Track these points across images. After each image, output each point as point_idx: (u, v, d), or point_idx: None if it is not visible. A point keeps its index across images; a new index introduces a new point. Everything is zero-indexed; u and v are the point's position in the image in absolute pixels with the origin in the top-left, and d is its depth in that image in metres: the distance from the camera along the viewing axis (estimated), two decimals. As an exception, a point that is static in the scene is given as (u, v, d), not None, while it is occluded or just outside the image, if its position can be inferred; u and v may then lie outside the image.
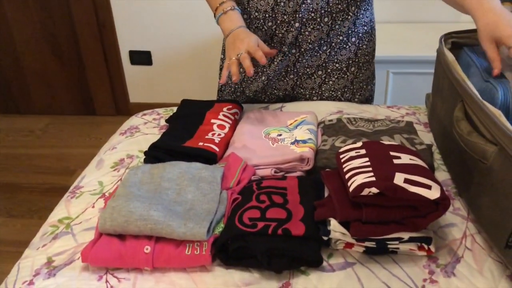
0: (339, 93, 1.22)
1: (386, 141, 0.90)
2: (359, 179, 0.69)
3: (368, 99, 1.28)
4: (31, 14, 2.74)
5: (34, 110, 3.03)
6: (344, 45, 1.16)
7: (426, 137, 1.00)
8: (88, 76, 2.89)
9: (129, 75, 2.86)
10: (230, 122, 1.06)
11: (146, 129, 1.13)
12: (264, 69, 1.19)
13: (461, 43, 0.98)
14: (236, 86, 1.26)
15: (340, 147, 0.87)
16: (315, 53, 1.16)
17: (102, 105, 2.98)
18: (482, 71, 0.86)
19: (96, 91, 2.94)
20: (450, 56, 0.88)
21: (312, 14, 1.10)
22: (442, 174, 0.88)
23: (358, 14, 1.15)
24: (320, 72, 1.19)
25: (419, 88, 1.86)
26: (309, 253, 0.69)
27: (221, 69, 1.28)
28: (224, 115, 1.07)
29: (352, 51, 1.17)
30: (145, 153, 0.95)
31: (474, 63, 0.89)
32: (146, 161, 0.95)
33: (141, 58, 2.77)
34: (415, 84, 2.02)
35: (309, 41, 1.13)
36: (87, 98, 2.97)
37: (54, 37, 2.80)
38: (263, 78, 1.20)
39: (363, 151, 0.78)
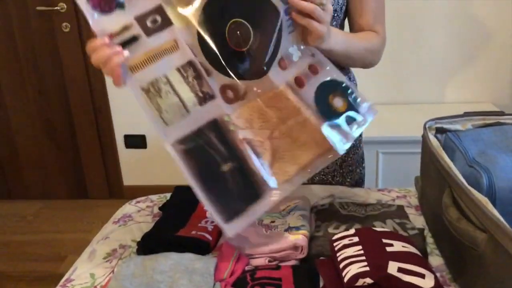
0: (329, 176, 1.24)
1: (379, 227, 0.90)
2: (353, 269, 0.69)
3: (358, 182, 1.30)
4: (28, 99, 2.82)
5: (26, 195, 3.02)
6: None
7: (417, 220, 1.01)
8: (83, 159, 2.92)
9: (124, 158, 2.90)
10: (223, 208, 1.06)
11: (140, 217, 1.13)
12: None
13: (445, 128, 1.02)
14: (229, 171, 1.28)
15: (334, 234, 0.87)
16: None
17: (95, 189, 2.99)
18: (466, 156, 0.88)
19: (90, 175, 2.96)
20: (435, 142, 0.92)
21: None
22: (436, 259, 0.88)
23: None
24: None
25: (409, 167, 1.89)
26: None
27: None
28: (217, 202, 1.08)
29: None
30: (138, 243, 0.95)
31: (458, 148, 0.92)
32: (139, 251, 0.94)
33: (136, 141, 2.82)
34: (405, 163, 2.06)
35: None
36: (80, 181, 2.98)
37: (50, 121, 2.86)
38: None
39: (356, 239, 0.78)
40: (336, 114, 0.92)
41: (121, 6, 0.82)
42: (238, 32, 0.87)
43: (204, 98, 0.86)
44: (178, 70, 0.85)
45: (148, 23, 0.84)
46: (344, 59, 1.07)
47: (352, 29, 1.15)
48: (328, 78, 0.93)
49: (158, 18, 0.84)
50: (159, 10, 0.85)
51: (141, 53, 0.83)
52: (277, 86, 0.90)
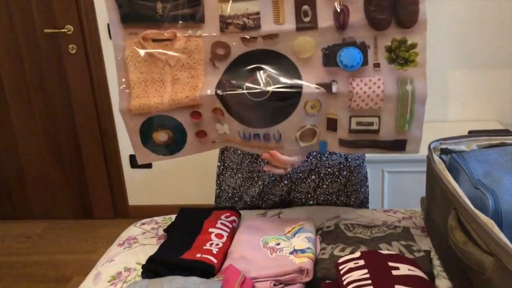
0: (334, 196, 1.24)
1: (385, 249, 0.90)
2: (359, 294, 0.69)
3: (363, 202, 1.29)
4: (35, 119, 2.84)
5: (32, 215, 3.03)
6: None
7: (424, 242, 1.00)
8: (88, 180, 2.93)
9: (129, 178, 2.90)
10: (228, 230, 1.06)
11: (144, 239, 1.12)
12: (260, 174, 1.22)
13: (449, 149, 1.02)
14: (234, 191, 1.28)
15: (339, 256, 0.87)
16: (306, 158, 1.20)
17: (100, 209, 2.99)
18: (471, 177, 0.88)
19: (95, 195, 2.96)
20: (439, 163, 0.91)
21: None
22: (443, 282, 0.87)
23: None
24: (313, 177, 1.22)
25: (415, 186, 1.89)
26: None
27: (218, 176, 1.31)
28: (222, 224, 1.08)
29: (343, 156, 1.21)
30: (143, 266, 0.94)
31: (463, 169, 0.92)
32: (143, 274, 0.94)
33: (141, 161, 2.82)
34: (411, 181, 2.05)
35: None
36: (86, 201, 2.99)
37: (57, 143, 2.88)
38: (259, 183, 1.23)
39: (361, 262, 0.78)
40: (155, 143, 1.01)
41: None
42: (260, 78, 0.94)
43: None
44: None
45: None
46: None
47: None
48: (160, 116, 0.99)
49: None
50: None
51: None
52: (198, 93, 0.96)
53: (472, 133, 1.05)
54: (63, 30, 2.65)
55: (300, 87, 0.92)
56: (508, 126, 2.40)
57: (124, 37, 0.96)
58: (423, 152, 0.96)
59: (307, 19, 0.91)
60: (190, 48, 0.95)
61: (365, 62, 0.90)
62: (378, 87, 0.90)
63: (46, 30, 2.66)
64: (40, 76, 2.76)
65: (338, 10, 0.89)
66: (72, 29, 2.64)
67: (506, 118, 2.42)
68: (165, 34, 0.95)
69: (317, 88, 0.92)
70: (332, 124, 0.96)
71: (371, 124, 0.93)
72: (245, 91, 0.92)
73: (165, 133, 0.99)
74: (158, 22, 0.95)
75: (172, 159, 1.05)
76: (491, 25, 2.29)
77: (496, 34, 2.30)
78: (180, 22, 0.95)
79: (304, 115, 0.94)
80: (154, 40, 0.95)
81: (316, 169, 1.22)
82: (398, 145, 0.95)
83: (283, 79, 0.92)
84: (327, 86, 0.92)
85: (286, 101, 0.92)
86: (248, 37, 0.93)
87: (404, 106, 0.91)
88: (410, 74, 0.90)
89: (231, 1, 0.92)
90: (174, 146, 1.02)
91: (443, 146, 1.03)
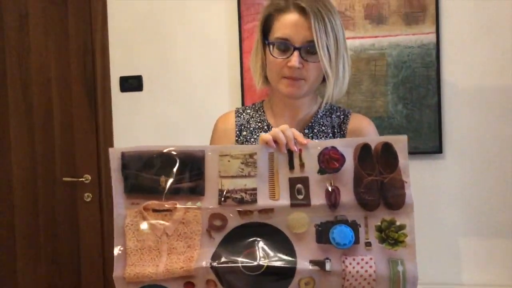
0: None
1: None
2: None
3: None
4: (41, 266, 2.80)
5: None
6: None
7: None
8: (86, 332, 2.78)
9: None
10: None
11: None
12: None
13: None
14: None
15: None
16: None
17: None
18: None
19: None
20: None
21: None
22: None
23: None
24: None
25: None
26: None
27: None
28: None
29: None
30: None
31: None
32: None
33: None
34: None
35: None
36: None
37: (59, 291, 2.80)
38: None
39: None
40: None
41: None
42: (255, 252, 0.96)
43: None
44: None
45: None
46: None
47: None
48: None
49: None
50: None
51: None
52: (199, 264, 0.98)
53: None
54: (81, 179, 2.74)
55: (294, 263, 0.93)
56: (528, 292, 2.29)
57: (126, 207, 1.00)
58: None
59: (300, 197, 0.96)
60: (188, 218, 0.99)
61: (356, 241, 0.93)
62: (370, 266, 0.92)
63: (64, 179, 2.76)
64: (52, 222, 2.79)
65: (330, 190, 0.93)
66: (90, 178, 2.74)
67: (524, 283, 2.32)
68: (166, 206, 0.99)
69: (311, 265, 0.94)
70: None
71: None
72: (239, 265, 0.93)
73: None
74: (160, 194, 1.00)
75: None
76: (504, 187, 2.31)
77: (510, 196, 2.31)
78: (181, 194, 1.00)
79: None
80: (154, 210, 0.99)
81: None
82: None
83: (277, 254, 0.95)
84: (320, 264, 0.94)
85: (280, 277, 0.93)
86: (245, 211, 0.97)
87: (396, 286, 0.92)
88: (400, 254, 0.93)
89: (230, 177, 0.97)
90: None
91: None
